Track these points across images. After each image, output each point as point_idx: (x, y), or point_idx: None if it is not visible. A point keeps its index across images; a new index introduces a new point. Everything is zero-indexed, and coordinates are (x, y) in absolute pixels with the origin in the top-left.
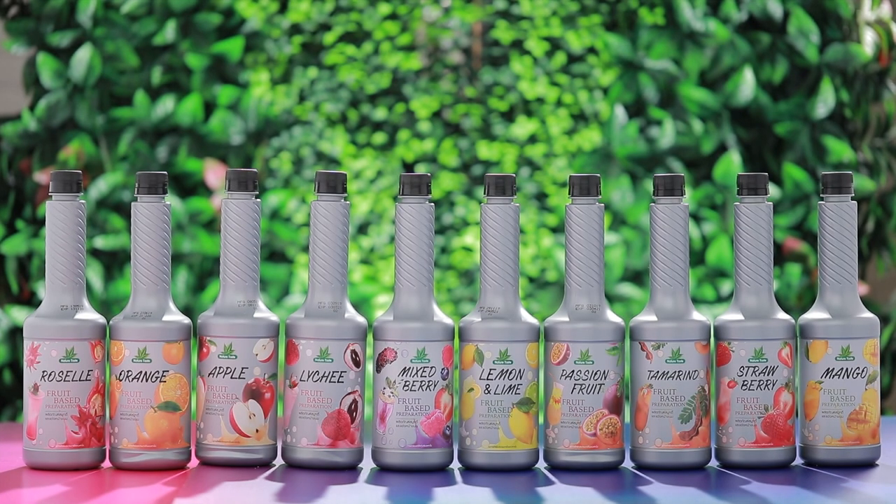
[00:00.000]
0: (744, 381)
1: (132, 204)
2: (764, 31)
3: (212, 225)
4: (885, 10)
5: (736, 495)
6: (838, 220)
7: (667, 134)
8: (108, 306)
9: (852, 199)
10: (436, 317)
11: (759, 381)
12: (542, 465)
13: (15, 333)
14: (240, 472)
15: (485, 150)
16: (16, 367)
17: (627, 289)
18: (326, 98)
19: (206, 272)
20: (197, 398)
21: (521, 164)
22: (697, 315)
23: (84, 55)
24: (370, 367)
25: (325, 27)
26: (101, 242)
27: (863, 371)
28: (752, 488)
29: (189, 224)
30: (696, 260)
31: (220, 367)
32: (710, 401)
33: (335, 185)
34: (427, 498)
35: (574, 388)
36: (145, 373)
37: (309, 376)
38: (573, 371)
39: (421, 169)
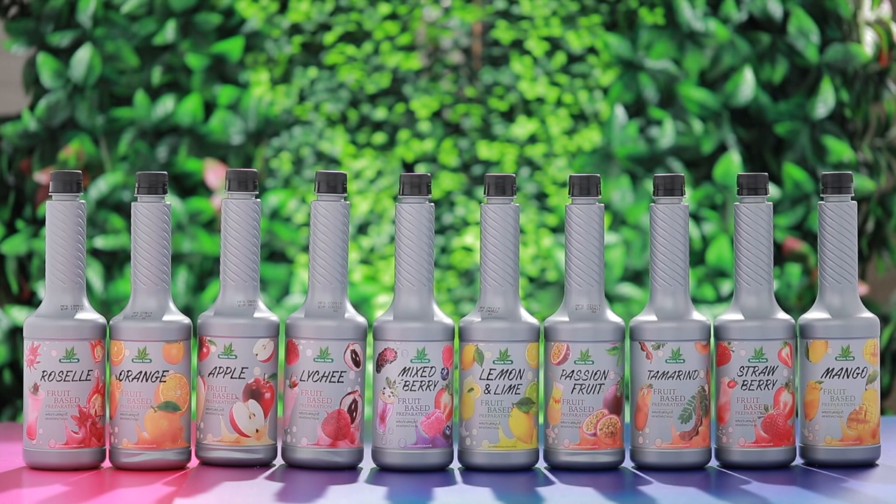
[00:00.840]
0: (744, 381)
1: (132, 204)
2: (764, 31)
3: (212, 225)
4: (885, 10)
5: (736, 495)
6: (838, 220)
7: (667, 134)
8: (108, 306)
9: (852, 199)
10: (436, 317)
11: (759, 381)
12: (542, 465)
13: (15, 333)
14: (240, 472)
15: (485, 150)
16: (16, 367)
17: (627, 289)
18: (326, 98)
19: (206, 272)
20: (197, 398)
21: (521, 164)
22: (697, 315)
23: (84, 55)
24: (370, 367)
25: (325, 27)
26: (101, 242)
27: (863, 371)
28: (752, 488)
29: (189, 224)
30: (696, 260)
31: (220, 367)
32: (710, 401)
33: (335, 185)
34: (427, 498)
35: (574, 388)
36: (145, 373)
37: (309, 376)
38: (573, 371)
39: (421, 169)
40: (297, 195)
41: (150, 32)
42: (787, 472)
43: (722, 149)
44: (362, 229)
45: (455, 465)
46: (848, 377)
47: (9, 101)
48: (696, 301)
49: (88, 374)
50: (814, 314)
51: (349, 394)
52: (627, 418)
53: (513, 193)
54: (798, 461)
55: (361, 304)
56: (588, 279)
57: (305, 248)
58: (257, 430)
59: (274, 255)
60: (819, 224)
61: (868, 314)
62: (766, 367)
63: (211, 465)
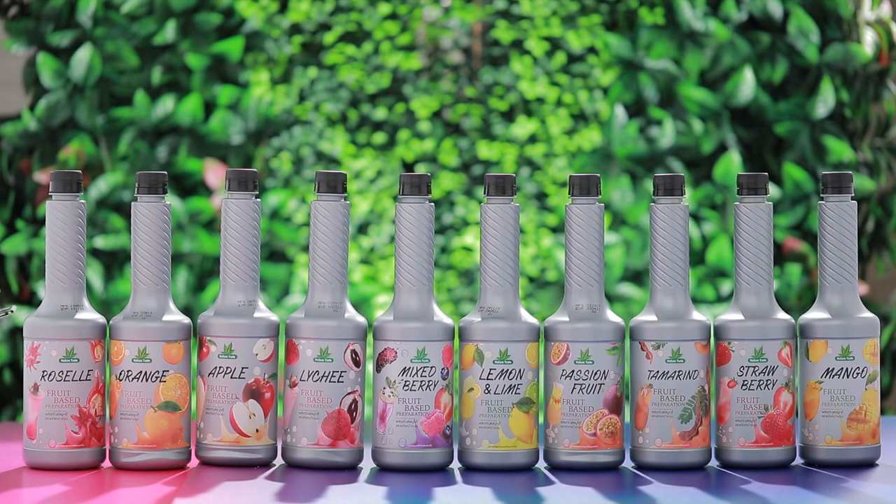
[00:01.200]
0: (744, 381)
1: (132, 204)
2: (764, 31)
3: (212, 225)
4: (885, 10)
5: (736, 495)
6: (838, 220)
7: (667, 134)
8: (108, 306)
9: (852, 199)
10: (436, 317)
11: (759, 380)
12: (542, 465)
13: (15, 333)
14: (240, 472)
15: (485, 150)
16: (16, 367)
17: (627, 289)
18: (326, 98)
19: (206, 272)
20: (197, 398)
21: (521, 164)
22: (697, 315)
23: (84, 55)
24: (370, 367)
25: (325, 27)
26: (101, 242)
27: (863, 371)
28: (752, 488)
29: (189, 224)
30: (696, 260)
31: (220, 367)
32: (710, 401)
33: (335, 185)
34: (427, 498)
35: (574, 388)
36: (145, 373)
37: (309, 376)
38: (573, 371)
39: (421, 169)
40: (297, 195)
41: (150, 32)
42: (787, 472)
43: (722, 149)
44: (362, 229)
45: (455, 465)
46: (848, 377)
47: (9, 101)
48: (696, 301)
49: (88, 374)
50: (814, 314)
51: (349, 394)
52: (627, 418)
53: (513, 193)
54: (798, 461)
55: (361, 304)
56: (588, 279)
57: (305, 248)
58: (257, 430)
59: (274, 255)
60: (819, 224)
61: (868, 314)
62: (766, 366)
63: (211, 465)
